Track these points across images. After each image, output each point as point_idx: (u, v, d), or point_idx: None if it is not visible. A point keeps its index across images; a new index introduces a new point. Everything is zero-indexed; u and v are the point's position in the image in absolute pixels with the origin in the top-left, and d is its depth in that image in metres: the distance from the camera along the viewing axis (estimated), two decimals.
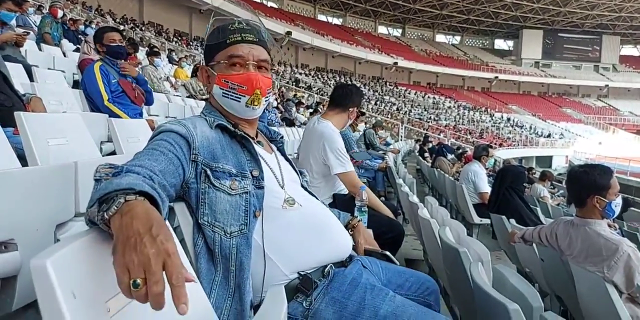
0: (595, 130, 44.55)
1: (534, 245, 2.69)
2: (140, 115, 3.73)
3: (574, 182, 2.31)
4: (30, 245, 1.22)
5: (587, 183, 2.23)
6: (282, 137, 1.55)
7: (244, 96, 1.31)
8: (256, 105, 1.33)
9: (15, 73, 3.44)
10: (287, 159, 1.51)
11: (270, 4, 44.44)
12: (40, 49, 5.92)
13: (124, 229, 0.75)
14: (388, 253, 1.61)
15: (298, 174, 1.51)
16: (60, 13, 7.10)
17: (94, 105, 3.45)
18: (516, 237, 2.75)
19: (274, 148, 1.49)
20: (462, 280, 1.61)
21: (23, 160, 1.78)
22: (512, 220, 3.42)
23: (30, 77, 3.87)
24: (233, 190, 1.20)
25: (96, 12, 22.01)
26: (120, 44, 3.63)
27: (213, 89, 1.35)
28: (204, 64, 1.41)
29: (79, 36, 8.18)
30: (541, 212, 5.19)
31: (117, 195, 0.82)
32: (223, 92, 1.33)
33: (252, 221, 1.21)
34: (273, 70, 27.19)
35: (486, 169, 5.95)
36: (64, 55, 6.27)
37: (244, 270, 1.16)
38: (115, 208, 0.78)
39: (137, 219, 0.76)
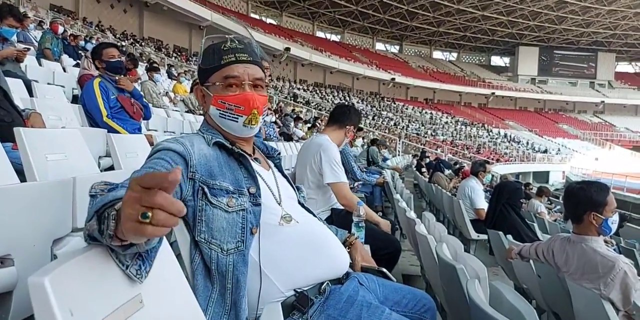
0: (592, 146, 44.75)
1: (531, 261, 2.69)
2: (139, 130, 3.75)
3: (570, 199, 2.32)
4: (27, 261, 1.21)
5: (583, 199, 2.24)
6: (279, 153, 1.56)
7: (241, 116, 1.32)
8: (254, 125, 1.34)
9: (15, 88, 3.46)
10: (284, 175, 1.52)
11: (269, 20, 44.98)
12: (40, 64, 5.96)
13: (124, 216, 0.73)
14: (385, 270, 1.61)
15: (295, 190, 1.52)
16: (60, 29, 7.17)
17: (93, 121, 3.47)
18: (513, 253, 2.75)
19: (271, 164, 1.50)
20: (458, 297, 1.61)
21: (21, 175, 1.78)
22: (509, 236, 3.42)
23: (30, 93, 3.89)
24: (230, 207, 1.21)
25: (96, 28, 22.23)
26: (119, 60, 3.67)
27: (210, 109, 1.35)
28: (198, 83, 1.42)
29: (79, 52, 8.24)
30: (538, 228, 5.18)
31: (109, 211, 0.81)
32: (220, 113, 1.33)
33: (249, 238, 1.21)
34: (271, 86, 27.38)
35: (483, 184, 5.96)
36: (64, 71, 6.31)
37: (241, 287, 1.16)
38: (113, 221, 0.78)
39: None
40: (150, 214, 0.66)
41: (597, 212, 2.19)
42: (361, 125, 12.77)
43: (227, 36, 1.37)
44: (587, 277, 2.10)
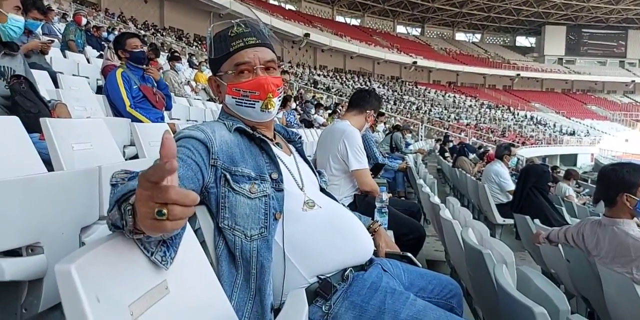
0: (622, 127, 43.50)
1: (560, 246, 2.64)
2: (162, 119, 3.78)
3: (603, 180, 2.28)
4: (56, 248, 1.24)
5: (615, 180, 2.19)
6: (300, 138, 1.55)
7: (258, 101, 1.31)
8: (271, 109, 1.33)
9: (41, 80, 3.52)
10: (305, 160, 1.50)
11: (288, 6, 44.64)
12: (64, 56, 6.06)
13: (139, 208, 0.72)
14: (409, 255, 1.60)
15: (317, 176, 1.51)
16: (84, 21, 7.26)
17: (117, 110, 3.52)
18: (541, 237, 2.70)
19: (293, 149, 1.49)
20: (485, 283, 1.59)
21: (49, 165, 1.81)
22: (537, 221, 3.36)
23: (56, 84, 3.96)
24: (252, 193, 1.21)
25: (118, 19, 22.45)
26: (142, 50, 3.70)
27: (225, 98, 1.34)
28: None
29: (102, 43, 8.34)
30: (566, 211, 5.08)
31: (125, 205, 0.80)
32: (236, 101, 1.32)
33: (273, 224, 1.21)
34: (291, 73, 27.29)
35: (509, 168, 5.86)
36: (88, 62, 6.41)
37: (265, 273, 1.17)
38: (130, 216, 0.78)
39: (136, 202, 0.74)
40: (165, 210, 0.66)
41: (630, 193, 2.14)
42: (382, 110, 12.65)
43: (232, 21, 1.35)
44: (619, 260, 2.05)
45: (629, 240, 2.07)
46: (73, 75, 5.11)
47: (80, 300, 0.65)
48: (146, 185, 0.67)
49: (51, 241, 1.25)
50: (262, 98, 1.31)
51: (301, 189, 1.33)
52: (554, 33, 53.92)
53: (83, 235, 1.42)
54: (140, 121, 3.37)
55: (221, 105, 1.43)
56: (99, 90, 5.05)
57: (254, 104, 1.31)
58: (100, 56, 6.86)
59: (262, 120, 1.36)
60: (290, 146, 1.49)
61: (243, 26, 1.32)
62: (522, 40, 58.86)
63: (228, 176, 1.20)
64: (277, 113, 1.48)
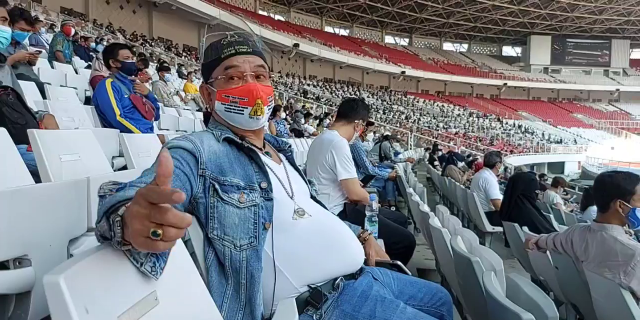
0: (608, 135, 44.11)
1: (548, 253, 2.66)
2: (152, 129, 3.78)
3: (598, 186, 2.32)
4: (44, 261, 1.23)
5: (611, 187, 2.23)
6: (290, 147, 1.55)
7: (247, 108, 1.31)
8: (259, 115, 1.33)
9: (29, 91, 3.50)
10: (296, 169, 1.51)
11: (277, 17, 44.89)
12: (52, 67, 6.03)
13: (128, 232, 0.74)
14: (399, 263, 1.61)
15: (307, 184, 1.51)
16: (72, 31, 7.24)
17: (106, 120, 3.50)
18: (530, 243, 2.72)
19: (283, 158, 1.49)
20: (475, 290, 1.60)
21: (36, 176, 1.80)
22: (525, 228, 3.39)
23: (43, 95, 3.94)
24: (242, 203, 1.21)
25: (106, 29, 22.41)
26: (133, 61, 3.72)
27: (215, 105, 1.34)
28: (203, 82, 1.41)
29: (90, 53, 8.31)
30: (554, 219, 5.12)
31: (114, 216, 0.80)
32: (225, 107, 1.33)
33: (262, 234, 1.21)
34: (280, 83, 27.36)
35: (497, 175, 5.91)
36: (76, 73, 6.37)
37: (255, 283, 1.16)
38: (119, 228, 0.78)
39: (127, 217, 0.74)
40: (160, 231, 0.67)
41: (624, 201, 2.18)
42: (372, 120, 12.73)
43: (226, 33, 1.37)
44: (607, 265, 2.08)
45: (617, 245, 2.09)
46: (61, 86, 5.08)
47: (69, 311, 0.65)
48: (144, 204, 0.67)
49: (39, 253, 1.23)
50: (251, 104, 1.31)
51: (291, 198, 1.33)
52: (539, 43, 54.78)
53: (71, 247, 1.41)
54: (130, 131, 3.36)
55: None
56: (87, 101, 5.02)
57: (243, 111, 1.31)
58: (89, 67, 6.83)
59: (251, 128, 1.36)
60: (281, 155, 1.50)
61: (236, 36, 1.35)
62: (509, 50, 59.69)
63: (217, 186, 1.20)
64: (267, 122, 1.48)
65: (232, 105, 1.32)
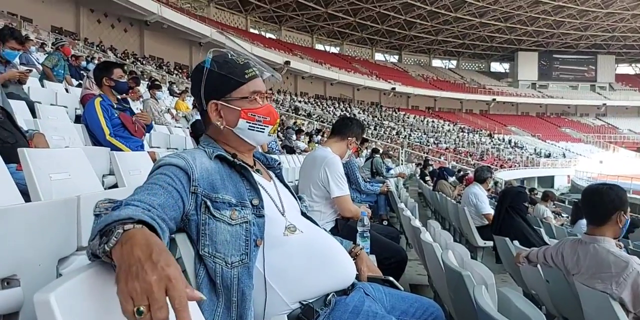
0: (596, 149, 44.60)
1: (539, 266, 2.67)
2: (142, 147, 3.77)
3: (601, 198, 2.26)
4: (32, 281, 1.22)
5: (615, 199, 2.23)
6: (279, 164, 1.57)
7: (268, 126, 1.39)
8: (274, 133, 1.43)
9: (19, 110, 3.50)
10: (285, 186, 1.52)
11: (268, 35, 45.37)
12: (42, 86, 6.03)
13: (125, 257, 0.75)
14: (391, 278, 1.61)
15: (297, 200, 1.52)
16: (71, 52, 7.25)
17: (96, 139, 3.50)
18: (521, 257, 2.73)
19: (272, 175, 1.51)
20: (466, 305, 1.60)
21: (26, 195, 1.79)
22: (516, 242, 3.40)
23: (33, 114, 3.93)
24: (233, 220, 1.21)
25: (97, 48, 22.48)
26: (126, 81, 3.74)
27: (239, 123, 1.35)
28: (204, 97, 1.36)
29: (81, 72, 8.33)
30: (545, 232, 5.14)
31: (116, 226, 0.83)
32: (250, 125, 1.37)
33: (254, 250, 1.21)
34: (272, 99, 27.49)
35: (487, 190, 5.94)
36: (67, 91, 6.37)
37: (246, 300, 1.16)
38: (115, 239, 0.79)
39: (137, 246, 0.76)
40: (145, 313, 0.68)
41: (624, 212, 2.20)
42: (365, 137, 12.80)
43: (225, 51, 1.39)
44: (599, 276, 2.08)
45: (610, 257, 2.10)
46: (51, 104, 5.08)
47: None
48: (160, 286, 0.70)
49: (28, 273, 1.22)
50: (273, 123, 1.40)
51: (282, 214, 1.34)
52: (527, 59, 55.73)
53: (61, 267, 1.40)
54: (120, 150, 3.35)
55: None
56: (78, 119, 5.01)
57: (264, 129, 1.38)
58: (79, 85, 6.84)
59: (259, 144, 1.44)
60: (270, 172, 1.51)
61: (243, 56, 1.39)
62: (497, 66, 60.65)
63: (208, 203, 1.20)
64: None
65: (256, 124, 1.37)
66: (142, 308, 0.68)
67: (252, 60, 1.40)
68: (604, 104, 53.91)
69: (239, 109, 1.35)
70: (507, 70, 59.38)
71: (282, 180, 1.53)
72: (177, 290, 0.70)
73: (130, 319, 0.69)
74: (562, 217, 9.50)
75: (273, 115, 1.39)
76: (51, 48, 10.67)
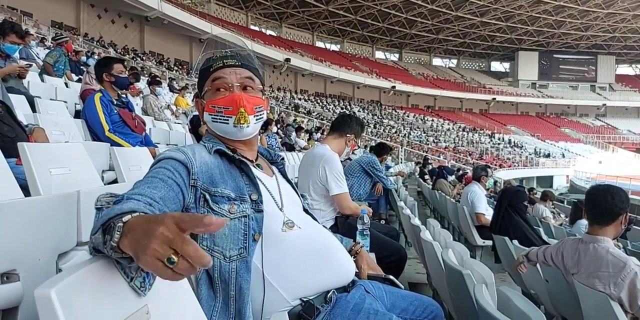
0: (595, 149, 44.66)
1: (538, 266, 2.67)
2: (142, 143, 3.76)
3: (612, 199, 2.25)
4: (32, 276, 1.21)
5: (624, 200, 2.25)
6: (282, 159, 1.56)
7: (231, 117, 1.33)
8: (243, 124, 1.33)
9: (19, 104, 3.48)
10: (288, 181, 1.52)
11: (269, 32, 45.32)
12: (42, 80, 6.01)
13: (133, 242, 0.74)
14: (392, 277, 1.61)
15: (299, 197, 1.52)
16: (73, 47, 7.25)
17: (96, 135, 3.49)
18: (521, 256, 2.73)
19: (275, 170, 1.50)
20: (466, 303, 1.60)
21: (25, 190, 1.78)
22: (516, 242, 3.40)
23: (33, 108, 3.92)
24: (232, 214, 1.21)
25: (97, 43, 22.43)
26: (126, 76, 3.73)
27: (205, 116, 1.37)
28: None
29: (81, 67, 8.31)
30: (544, 232, 5.14)
31: (116, 221, 0.82)
32: (212, 117, 1.35)
33: (252, 245, 1.21)
34: (272, 97, 27.46)
35: (487, 189, 5.94)
36: (66, 86, 6.36)
37: (244, 295, 1.16)
38: (118, 233, 0.79)
39: (139, 229, 0.75)
40: (176, 260, 0.67)
41: (629, 213, 2.22)
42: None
43: (221, 50, 1.40)
44: (598, 275, 2.09)
45: (609, 257, 2.11)
46: (51, 99, 5.06)
47: None
48: (172, 228, 0.68)
49: (27, 268, 1.22)
50: (234, 113, 1.32)
51: (280, 210, 1.34)
52: (527, 58, 55.74)
53: (60, 262, 1.39)
54: (120, 146, 3.34)
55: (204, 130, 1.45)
56: (78, 114, 5.00)
57: (228, 120, 1.34)
58: (79, 80, 6.82)
59: (237, 138, 1.37)
60: (273, 167, 1.51)
61: (228, 52, 1.38)
62: (497, 66, 60.66)
63: (207, 197, 1.20)
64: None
65: (217, 115, 1.34)
66: (171, 257, 0.66)
67: (237, 53, 1.39)
68: (604, 105, 53.96)
69: (205, 101, 1.36)
70: (508, 70, 59.39)
71: (285, 176, 1.52)
72: (182, 217, 0.69)
73: (170, 276, 0.67)
74: (561, 217, 9.51)
75: (235, 105, 1.31)
76: (51, 43, 10.63)
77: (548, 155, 39.77)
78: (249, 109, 1.33)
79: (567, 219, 8.87)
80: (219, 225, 0.68)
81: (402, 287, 1.58)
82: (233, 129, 1.34)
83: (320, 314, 1.20)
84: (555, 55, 56.35)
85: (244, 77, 1.35)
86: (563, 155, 40.91)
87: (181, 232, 0.68)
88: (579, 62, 56.83)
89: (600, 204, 2.29)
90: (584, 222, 6.63)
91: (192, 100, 9.00)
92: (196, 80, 1.56)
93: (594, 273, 2.11)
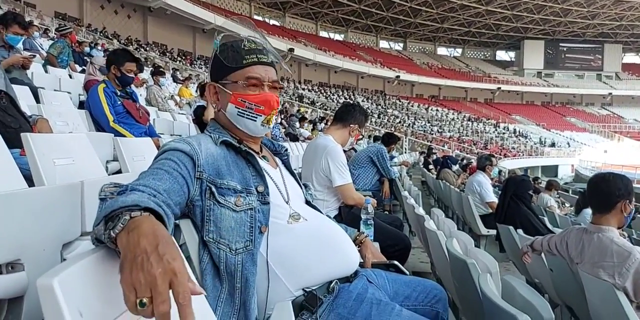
0: (601, 139, 44.39)
1: (543, 255, 2.67)
2: (146, 133, 3.76)
3: (604, 186, 2.26)
4: (37, 265, 1.22)
5: (622, 187, 2.22)
6: (286, 150, 1.56)
7: (260, 116, 1.33)
8: (270, 124, 1.36)
9: (22, 95, 3.48)
10: (292, 173, 1.51)
11: (272, 22, 45.01)
12: (46, 71, 6.00)
13: (131, 246, 0.74)
14: (396, 262, 1.61)
15: (302, 188, 1.51)
16: (76, 38, 7.22)
17: (100, 126, 3.48)
18: (525, 245, 2.72)
19: (279, 162, 1.49)
20: (470, 292, 1.60)
21: (30, 180, 1.79)
22: (520, 231, 3.39)
23: (37, 99, 3.92)
24: (238, 206, 1.20)
25: (101, 34, 22.37)
26: (132, 75, 3.69)
27: (228, 107, 1.34)
28: (209, 80, 1.41)
29: (85, 58, 8.29)
30: (549, 221, 5.14)
31: (123, 212, 0.83)
32: (239, 111, 1.33)
33: (258, 237, 1.21)
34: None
35: (491, 179, 5.93)
36: (70, 77, 6.35)
37: (250, 287, 1.16)
38: (122, 225, 0.79)
39: (144, 237, 0.75)
40: (147, 304, 0.67)
41: (630, 201, 2.19)
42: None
43: (242, 36, 1.37)
44: (602, 265, 2.08)
45: (613, 246, 2.10)
46: (55, 90, 5.06)
47: (62, 315, 0.65)
48: (165, 279, 0.70)
49: (32, 258, 1.23)
50: (266, 113, 1.33)
51: (287, 202, 1.33)
52: (533, 47, 55.18)
53: (65, 252, 1.40)
54: (124, 136, 3.34)
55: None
56: (81, 105, 5.00)
57: (256, 118, 1.33)
58: (83, 71, 6.82)
59: (256, 135, 1.38)
60: (277, 159, 1.50)
61: (255, 43, 1.36)
62: (502, 55, 60.11)
63: (213, 189, 1.19)
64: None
65: (246, 111, 1.33)
66: (145, 300, 0.67)
67: (264, 48, 1.37)
68: (610, 94, 53.50)
69: (231, 93, 1.33)
70: (513, 59, 58.86)
71: (288, 168, 1.52)
72: (181, 285, 0.70)
73: (132, 310, 0.68)
74: (566, 206, 9.48)
75: (269, 105, 1.32)
76: (55, 34, 10.60)
77: (553, 145, 39.58)
78: (276, 111, 1.36)
79: (572, 209, 8.85)
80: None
81: (407, 273, 1.58)
82: (260, 128, 1.35)
83: (323, 304, 1.20)
84: (561, 44, 55.76)
85: (274, 80, 1.36)
86: (568, 145, 40.70)
87: (169, 288, 0.69)
88: (585, 51, 56.23)
89: (598, 191, 2.29)
90: (588, 212, 6.62)
91: (196, 91, 8.96)
92: (200, 70, 1.55)
93: (599, 263, 2.10)
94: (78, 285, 0.71)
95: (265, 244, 1.22)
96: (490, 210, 5.18)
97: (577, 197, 9.45)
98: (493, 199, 5.20)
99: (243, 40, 1.35)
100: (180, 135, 5.41)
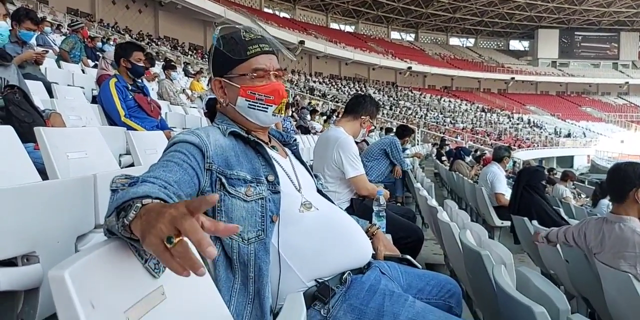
0: (617, 129, 43.69)
1: (558, 246, 2.64)
2: (158, 127, 3.78)
3: (617, 175, 2.26)
4: (51, 258, 1.23)
5: (632, 175, 2.19)
6: (295, 140, 1.55)
7: (271, 106, 1.33)
8: (282, 113, 1.36)
9: (35, 90, 3.52)
10: (302, 163, 1.51)
11: (282, 14, 44.86)
12: (59, 67, 6.06)
13: (144, 223, 0.74)
14: (409, 257, 1.59)
15: (313, 178, 1.51)
16: (88, 33, 7.30)
17: (112, 120, 3.51)
18: (540, 236, 2.69)
19: (288, 152, 1.49)
20: (485, 284, 1.58)
21: (43, 174, 1.81)
22: (535, 222, 3.36)
23: (50, 94, 3.96)
24: (248, 196, 1.20)
25: (113, 29, 22.51)
26: (143, 65, 3.72)
27: (237, 101, 1.33)
28: (212, 74, 1.39)
29: (97, 53, 8.36)
30: (564, 212, 5.08)
31: (134, 202, 0.82)
32: (249, 104, 1.32)
33: (270, 226, 1.21)
34: (286, 80, 27.39)
35: (506, 170, 5.87)
36: (83, 72, 6.41)
37: (263, 275, 1.16)
38: (134, 212, 0.79)
39: (152, 212, 0.75)
40: (175, 240, 0.66)
41: None
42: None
43: (238, 27, 1.36)
44: (623, 255, 2.06)
45: (635, 237, 2.07)
46: (68, 85, 5.11)
47: (74, 306, 0.65)
48: (181, 210, 0.68)
49: (47, 250, 1.24)
50: (277, 103, 1.34)
51: (298, 191, 1.33)
52: (547, 36, 54.27)
53: (79, 244, 1.41)
54: (136, 131, 3.36)
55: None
56: (94, 99, 5.04)
57: (267, 108, 1.33)
58: (95, 66, 6.87)
59: (267, 124, 1.39)
60: (286, 149, 1.49)
61: (253, 33, 1.34)
62: (516, 44, 59.23)
63: (223, 180, 1.20)
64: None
65: (257, 102, 1.32)
66: (171, 237, 0.66)
67: (263, 37, 1.35)
68: (627, 83, 52.52)
69: (239, 86, 1.32)
70: (527, 48, 57.99)
71: (298, 157, 1.51)
72: (191, 203, 0.69)
73: (162, 255, 0.67)
74: (581, 197, 9.37)
75: (278, 95, 1.32)
76: (67, 29, 10.69)
77: (569, 135, 39.07)
78: (287, 99, 1.37)
79: (588, 200, 8.74)
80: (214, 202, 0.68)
81: (420, 267, 1.57)
82: (271, 117, 1.35)
83: (335, 295, 1.20)
84: (576, 33, 54.72)
85: (278, 68, 1.35)
86: (584, 135, 40.14)
87: (190, 214, 0.67)
88: (601, 40, 55.15)
89: (613, 180, 2.28)
90: (605, 202, 6.53)
91: (207, 84, 8.99)
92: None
93: (619, 253, 2.07)
94: (90, 277, 0.71)
95: (276, 234, 1.22)
96: (496, 203, 5.13)
97: (593, 188, 9.34)
98: (502, 190, 5.14)
99: (241, 31, 1.34)
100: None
